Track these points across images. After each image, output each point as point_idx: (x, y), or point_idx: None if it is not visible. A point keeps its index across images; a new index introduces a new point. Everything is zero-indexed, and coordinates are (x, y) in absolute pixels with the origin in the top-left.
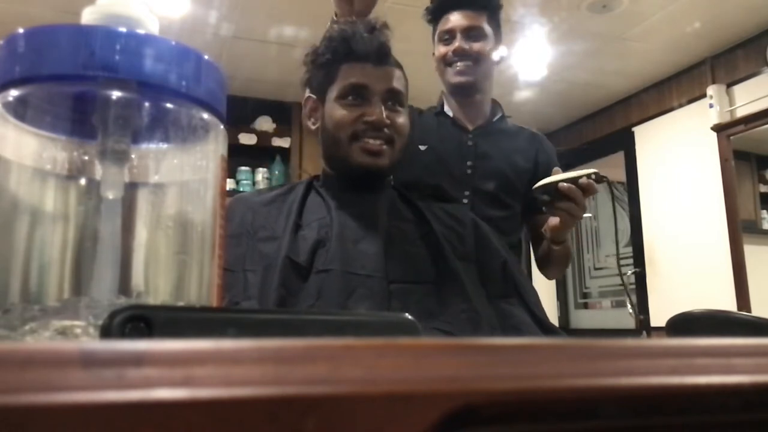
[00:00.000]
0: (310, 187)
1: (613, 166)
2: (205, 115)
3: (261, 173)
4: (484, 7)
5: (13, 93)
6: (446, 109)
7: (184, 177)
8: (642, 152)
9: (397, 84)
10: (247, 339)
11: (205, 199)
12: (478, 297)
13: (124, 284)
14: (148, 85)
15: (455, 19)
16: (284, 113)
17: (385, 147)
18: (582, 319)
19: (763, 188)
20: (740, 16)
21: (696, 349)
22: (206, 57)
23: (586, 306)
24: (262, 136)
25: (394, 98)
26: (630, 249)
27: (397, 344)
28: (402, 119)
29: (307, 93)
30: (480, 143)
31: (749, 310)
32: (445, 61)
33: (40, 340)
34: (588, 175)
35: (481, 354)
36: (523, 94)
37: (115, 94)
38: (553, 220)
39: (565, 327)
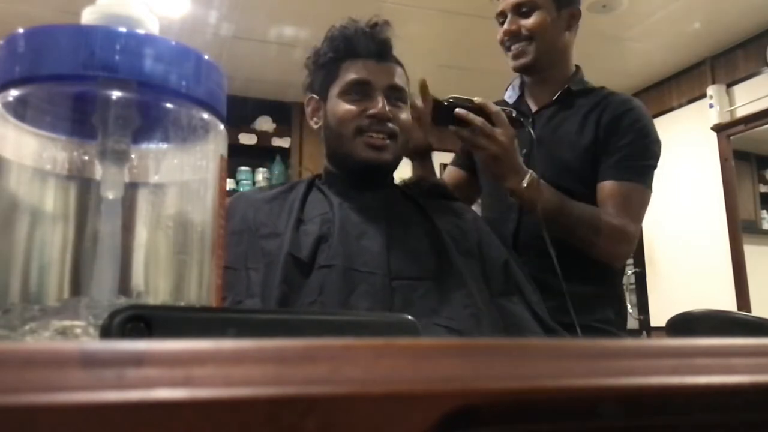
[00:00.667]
0: (311, 184)
1: None
2: (205, 115)
3: (261, 173)
4: None
5: (13, 93)
6: (507, 95)
7: (184, 177)
8: None
9: (399, 80)
10: (247, 339)
11: (205, 199)
12: (481, 294)
13: (124, 284)
14: (148, 85)
15: None
16: (284, 113)
17: (388, 142)
18: None
19: (763, 188)
20: (740, 16)
21: (696, 349)
22: (206, 57)
23: None
24: (262, 136)
25: (397, 94)
26: None
27: (397, 344)
28: (405, 115)
29: (309, 94)
30: (538, 126)
31: (749, 310)
32: (503, 46)
33: (40, 340)
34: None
35: (481, 354)
36: None
37: (115, 94)
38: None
39: None
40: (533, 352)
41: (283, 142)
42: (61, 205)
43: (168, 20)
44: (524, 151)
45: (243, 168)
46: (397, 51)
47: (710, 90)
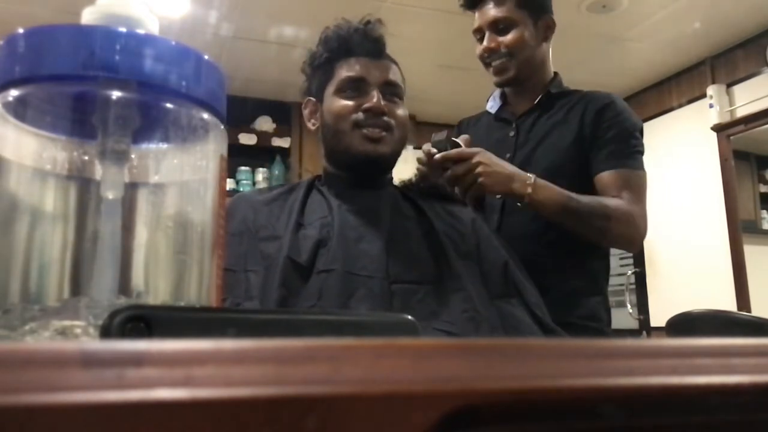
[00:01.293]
0: (311, 186)
1: None
2: (205, 115)
3: (261, 173)
4: None
5: (13, 93)
6: (489, 106)
7: (184, 177)
8: None
9: (394, 76)
10: (247, 339)
11: (205, 199)
12: (480, 297)
13: (124, 284)
14: (148, 85)
15: (480, 14)
16: (284, 113)
17: (384, 134)
18: None
19: (763, 188)
20: (740, 16)
21: (696, 349)
22: (206, 57)
23: None
24: (262, 136)
25: (392, 90)
26: None
27: (397, 344)
28: (401, 111)
29: (307, 97)
30: (522, 131)
31: (749, 310)
32: (483, 62)
33: (40, 340)
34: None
35: (481, 354)
36: None
37: (115, 94)
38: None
39: None
40: (533, 352)
41: (283, 142)
42: (61, 205)
43: (168, 20)
44: (508, 155)
45: (243, 168)
46: (397, 51)
47: (710, 90)
